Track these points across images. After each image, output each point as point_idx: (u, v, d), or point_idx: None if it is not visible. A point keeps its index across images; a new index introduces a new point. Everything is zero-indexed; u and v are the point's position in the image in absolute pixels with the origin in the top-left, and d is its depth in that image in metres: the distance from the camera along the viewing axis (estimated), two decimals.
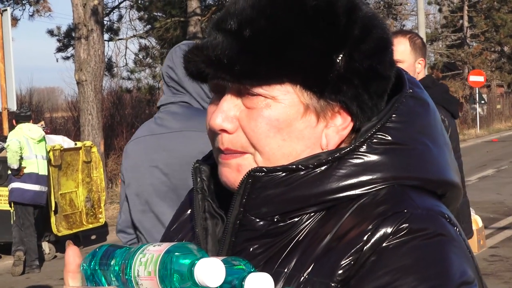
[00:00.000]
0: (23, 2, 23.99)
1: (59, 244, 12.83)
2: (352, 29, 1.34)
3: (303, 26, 1.32)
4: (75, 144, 13.69)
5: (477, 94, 40.11)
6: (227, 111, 1.36)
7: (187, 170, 3.66)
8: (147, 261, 1.16)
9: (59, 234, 12.53)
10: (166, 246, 1.16)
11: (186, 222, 1.59)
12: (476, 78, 37.62)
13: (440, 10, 49.67)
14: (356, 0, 1.38)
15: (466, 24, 46.34)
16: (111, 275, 1.22)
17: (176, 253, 1.14)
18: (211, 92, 1.45)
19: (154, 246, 1.18)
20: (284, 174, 1.32)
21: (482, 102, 41.26)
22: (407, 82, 1.43)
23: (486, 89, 48.48)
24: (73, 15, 16.57)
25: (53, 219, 12.46)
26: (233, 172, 1.37)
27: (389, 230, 1.25)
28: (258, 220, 1.34)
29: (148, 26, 27.02)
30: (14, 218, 11.67)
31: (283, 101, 1.33)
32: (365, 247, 1.25)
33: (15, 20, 22.84)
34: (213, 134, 1.40)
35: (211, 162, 1.50)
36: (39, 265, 11.67)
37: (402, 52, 4.89)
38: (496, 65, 49.09)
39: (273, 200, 1.33)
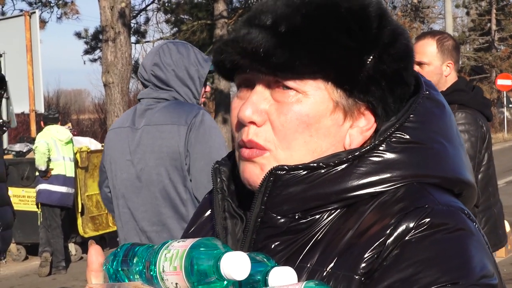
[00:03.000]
0: (51, 4, 24.16)
1: (86, 245, 12.83)
2: (382, 33, 1.38)
3: (338, 25, 1.36)
4: (102, 146, 13.72)
5: (504, 98, 39.83)
6: (257, 104, 1.38)
7: (159, 164, 3.69)
8: (172, 256, 1.17)
9: (86, 236, 12.58)
10: (191, 241, 1.18)
11: (205, 222, 1.61)
12: (504, 82, 37.35)
13: (467, 13, 49.34)
14: (385, 7, 1.43)
15: (494, 27, 46.02)
16: (134, 272, 1.24)
17: (202, 248, 1.16)
18: (237, 87, 1.47)
19: (178, 242, 1.20)
20: (305, 172, 1.35)
21: (510, 105, 40.95)
22: (423, 84, 1.46)
23: None
24: (101, 17, 16.65)
25: (79, 220, 12.52)
26: (257, 170, 1.39)
27: (411, 224, 1.28)
28: (279, 217, 1.37)
29: (175, 29, 27.12)
30: (41, 219, 11.73)
31: (314, 97, 1.36)
32: (388, 241, 1.28)
33: (43, 23, 23.00)
34: (239, 126, 1.42)
35: (230, 163, 1.53)
36: (65, 266, 11.73)
37: (429, 54, 4.66)
38: None
39: (294, 197, 1.35)
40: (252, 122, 1.38)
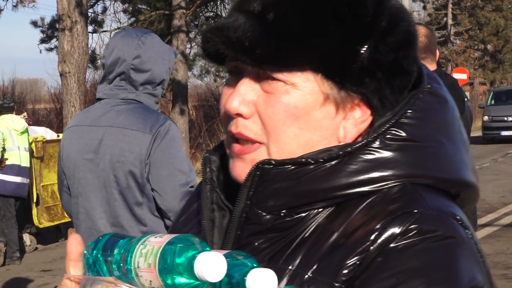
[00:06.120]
0: None
1: (40, 236, 12.80)
2: (379, 20, 1.30)
3: (329, 13, 1.28)
4: (58, 136, 13.62)
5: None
6: (244, 95, 1.31)
7: (118, 167, 3.69)
8: (147, 252, 1.12)
9: (41, 226, 12.49)
10: (167, 237, 1.12)
11: (194, 213, 1.54)
12: (459, 76, 37.60)
13: (424, 8, 49.78)
14: None
15: (450, 21, 46.50)
16: (113, 265, 1.19)
17: (177, 245, 1.10)
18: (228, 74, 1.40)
19: (155, 237, 1.14)
20: (293, 167, 1.28)
21: (466, 99, 41.41)
22: (425, 77, 1.37)
23: (469, 86, 48.62)
24: (57, 6, 16.45)
25: (34, 211, 12.42)
26: (247, 167, 1.32)
27: (397, 230, 1.20)
28: (264, 214, 1.30)
29: (133, 19, 26.91)
30: None
31: (303, 89, 1.29)
32: (371, 247, 1.20)
33: None
34: (227, 118, 1.35)
35: (221, 152, 1.45)
36: (20, 256, 11.64)
37: None
38: (479, 63, 49.33)
39: (281, 194, 1.29)
40: (239, 114, 1.32)
